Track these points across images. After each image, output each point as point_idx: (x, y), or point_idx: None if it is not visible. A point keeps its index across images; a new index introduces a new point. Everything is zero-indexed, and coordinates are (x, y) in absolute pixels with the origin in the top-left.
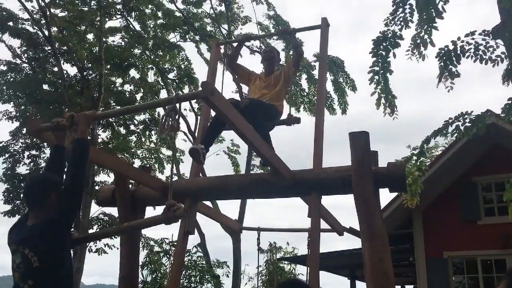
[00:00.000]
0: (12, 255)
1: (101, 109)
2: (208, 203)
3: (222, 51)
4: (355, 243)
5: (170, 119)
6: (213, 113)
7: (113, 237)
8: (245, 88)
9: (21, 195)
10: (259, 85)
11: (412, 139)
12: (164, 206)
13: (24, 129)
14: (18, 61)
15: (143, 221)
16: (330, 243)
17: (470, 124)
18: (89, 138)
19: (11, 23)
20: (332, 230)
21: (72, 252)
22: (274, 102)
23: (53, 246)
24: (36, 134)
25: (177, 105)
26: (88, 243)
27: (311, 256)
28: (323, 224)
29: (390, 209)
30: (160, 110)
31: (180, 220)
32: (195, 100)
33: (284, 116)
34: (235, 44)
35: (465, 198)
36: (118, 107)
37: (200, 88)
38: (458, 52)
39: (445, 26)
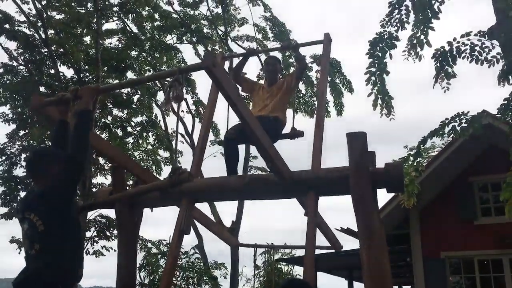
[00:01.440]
0: (21, 225)
1: (97, 111)
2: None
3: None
4: (352, 243)
5: (174, 90)
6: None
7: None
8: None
9: (18, 198)
10: (263, 97)
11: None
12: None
13: (29, 105)
14: (15, 64)
15: (148, 186)
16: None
17: (466, 125)
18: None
19: (7, 26)
20: (330, 248)
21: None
22: (277, 112)
23: (57, 210)
24: (40, 109)
25: (180, 76)
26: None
27: (306, 255)
28: (322, 241)
29: (387, 210)
30: (158, 112)
31: (176, 220)
32: (192, 102)
33: (287, 129)
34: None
35: (462, 198)
36: (115, 110)
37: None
38: (454, 52)
39: (444, 27)
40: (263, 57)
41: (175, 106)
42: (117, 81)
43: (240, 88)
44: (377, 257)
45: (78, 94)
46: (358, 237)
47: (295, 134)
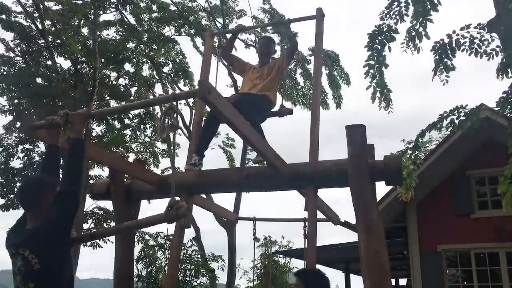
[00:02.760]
0: (12, 259)
1: (95, 103)
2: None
3: (216, 42)
4: (350, 236)
5: (169, 118)
6: (207, 108)
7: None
8: (239, 80)
9: (15, 190)
10: (252, 77)
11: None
12: (164, 206)
13: (19, 127)
14: (11, 55)
15: (144, 220)
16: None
17: (464, 118)
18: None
19: (3, 16)
20: (327, 220)
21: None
22: (266, 91)
23: (53, 247)
24: (30, 132)
25: (175, 103)
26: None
27: (308, 249)
28: (319, 214)
29: (385, 203)
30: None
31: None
32: None
33: (276, 108)
34: (228, 35)
35: (459, 192)
36: (113, 101)
37: (196, 86)
38: (454, 45)
39: (444, 19)
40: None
41: (170, 134)
42: (114, 73)
43: (230, 68)
44: (376, 250)
45: (68, 119)
46: (355, 230)
47: (284, 111)
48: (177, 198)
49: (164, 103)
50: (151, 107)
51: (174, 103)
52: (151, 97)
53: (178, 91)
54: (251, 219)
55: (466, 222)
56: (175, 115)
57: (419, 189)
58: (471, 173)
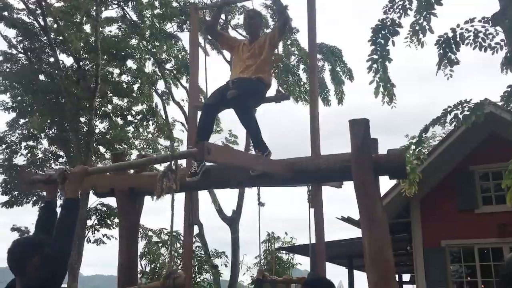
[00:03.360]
0: None
1: (97, 100)
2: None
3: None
4: (353, 232)
5: (167, 180)
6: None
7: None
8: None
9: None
10: (243, 56)
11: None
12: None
13: (16, 183)
14: (14, 51)
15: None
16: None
17: (468, 113)
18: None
19: (6, 13)
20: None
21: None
22: (260, 73)
23: None
24: (28, 187)
25: (173, 164)
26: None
27: (316, 247)
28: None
29: (388, 198)
30: (158, 101)
31: (183, 213)
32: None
33: (273, 93)
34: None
35: (463, 187)
36: (115, 98)
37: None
38: (458, 39)
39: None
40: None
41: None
42: (117, 70)
43: (219, 46)
44: (380, 245)
45: (66, 176)
46: (359, 225)
47: (280, 96)
48: (174, 267)
49: (163, 162)
50: (154, 103)
51: (173, 164)
52: (154, 93)
53: (180, 88)
54: None
55: (470, 218)
56: (173, 176)
57: (423, 185)
58: (475, 168)
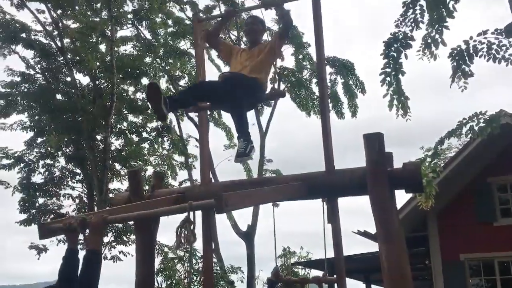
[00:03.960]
0: None
1: (113, 117)
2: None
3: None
4: (370, 246)
5: (185, 232)
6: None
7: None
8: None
9: (37, 205)
10: (241, 59)
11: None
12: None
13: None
14: (32, 72)
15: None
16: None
17: (484, 124)
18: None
19: (24, 35)
20: None
21: None
22: (256, 74)
23: None
24: (47, 236)
25: (191, 215)
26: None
27: (335, 263)
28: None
29: (405, 212)
30: (173, 117)
31: (202, 230)
32: None
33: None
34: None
35: (481, 199)
36: (130, 115)
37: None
38: (471, 51)
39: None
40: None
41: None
42: (131, 87)
43: (218, 54)
44: (397, 260)
45: (85, 224)
46: (375, 239)
47: (275, 93)
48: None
49: (180, 212)
50: (168, 120)
51: (191, 214)
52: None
53: None
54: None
55: (489, 230)
56: (191, 227)
57: (440, 197)
58: (493, 180)
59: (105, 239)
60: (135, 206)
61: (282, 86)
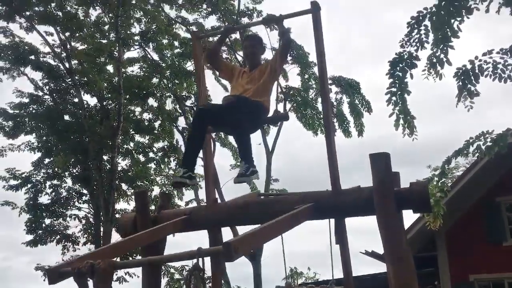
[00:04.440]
0: None
1: (120, 137)
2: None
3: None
4: (377, 267)
5: (194, 280)
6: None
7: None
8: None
9: (43, 225)
10: (242, 81)
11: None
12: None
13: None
14: (40, 93)
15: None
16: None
17: (491, 144)
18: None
19: (32, 57)
20: None
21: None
22: (259, 98)
23: None
24: (56, 281)
25: (201, 263)
26: None
27: (344, 285)
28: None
29: (413, 232)
30: (179, 137)
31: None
32: None
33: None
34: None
35: (489, 219)
36: (137, 136)
37: None
38: (476, 71)
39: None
40: None
41: None
42: (138, 108)
43: (217, 73)
44: (406, 281)
45: (94, 269)
46: (383, 260)
47: (278, 117)
48: None
49: (190, 258)
50: (175, 139)
51: (201, 262)
52: (175, 130)
53: None
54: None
55: (499, 250)
56: (200, 274)
57: (448, 217)
58: (501, 199)
59: None
60: (143, 235)
61: (288, 106)
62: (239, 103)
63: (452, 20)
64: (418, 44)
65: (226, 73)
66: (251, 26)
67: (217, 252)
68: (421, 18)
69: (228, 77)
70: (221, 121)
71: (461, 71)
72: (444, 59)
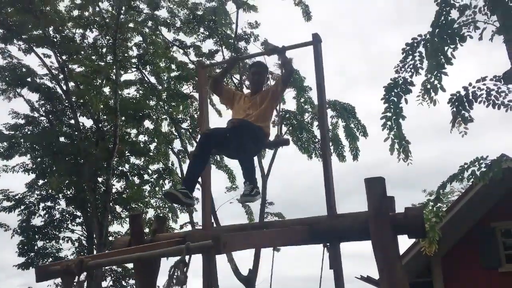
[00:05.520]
0: None
1: (115, 159)
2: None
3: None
4: None
5: (178, 272)
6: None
7: None
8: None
9: (35, 248)
10: (244, 106)
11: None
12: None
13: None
14: (36, 114)
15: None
16: None
17: (485, 169)
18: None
19: (29, 79)
20: None
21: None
22: (260, 123)
23: None
24: (45, 278)
25: (187, 257)
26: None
27: None
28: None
29: (408, 257)
30: (174, 159)
31: (202, 273)
32: None
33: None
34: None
35: (484, 244)
36: (132, 158)
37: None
38: (470, 97)
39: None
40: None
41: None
42: (134, 130)
43: (219, 99)
44: None
45: (83, 267)
46: (378, 285)
47: (279, 142)
48: None
49: (178, 255)
50: (170, 162)
51: (187, 257)
52: (170, 152)
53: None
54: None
55: (494, 276)
56: (185, 269)
57: (443, 242)
58: (496, 225)
59: (104, 284)
60: (136, 249)
61: (284, 129)
62: (242, 127)
63: (446, 47)
64: (412, 70)
65: (227, 98)
66: (255, 56)
67: (207, 246)
68: (415, 44)
69: (228, 102)
70: (225, 144)
71: (455, 97)
72: (438, 86)
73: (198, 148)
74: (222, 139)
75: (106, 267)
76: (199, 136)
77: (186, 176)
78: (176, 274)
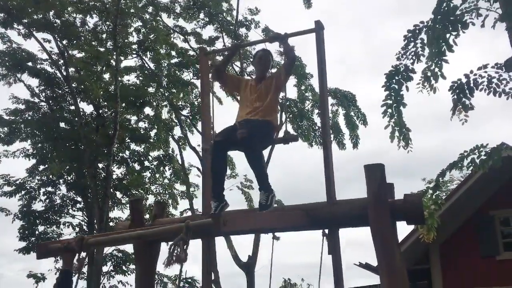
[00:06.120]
0: None
1: (115, 145)
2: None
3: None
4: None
5: (178, 249)
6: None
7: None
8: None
9: (36, 232)
10: (251, 97)
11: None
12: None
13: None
14: (36, 100)
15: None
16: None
17: (485, 157)
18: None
19: (30, 63)
20: None
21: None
22: (269, 117)
23: None
24: (46, 256)
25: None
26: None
27: None
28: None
29: (406, 244)
30: (175, 146)
31: (201, 261)
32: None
33: (281, 134)
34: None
35: (483, 232)
36: (133, 144)
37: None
38: (471, 85)
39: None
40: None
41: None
42: (134, 116)
43: (224, 87)
44: None
45: (83, 245)
46: (377, 272)
47: (289, 138)
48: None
49: (178, 232)
50: (170, 149)
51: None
52: (170, 139)
53: (196, 133)
54: None
55: (492, 264)
56: (184, 246)
57: (442, 230)
58: (495, 213)
59: (104, 269)
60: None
61: (284, 117)
62: (251, 133)
63: (448, 35)
64: (414, 57)
65: (233, 86)
66: (258, 43)
67: (207, 224)
68: (417, 31)
69: (235, 89)
70: (235, 146)
71: (456, 85)
72: (439, 73)
73: (213, 158)
74: (233, 142)
75: (107, 252)
76: (211, 143)
77: (213, 188)
78: (176, 251)
